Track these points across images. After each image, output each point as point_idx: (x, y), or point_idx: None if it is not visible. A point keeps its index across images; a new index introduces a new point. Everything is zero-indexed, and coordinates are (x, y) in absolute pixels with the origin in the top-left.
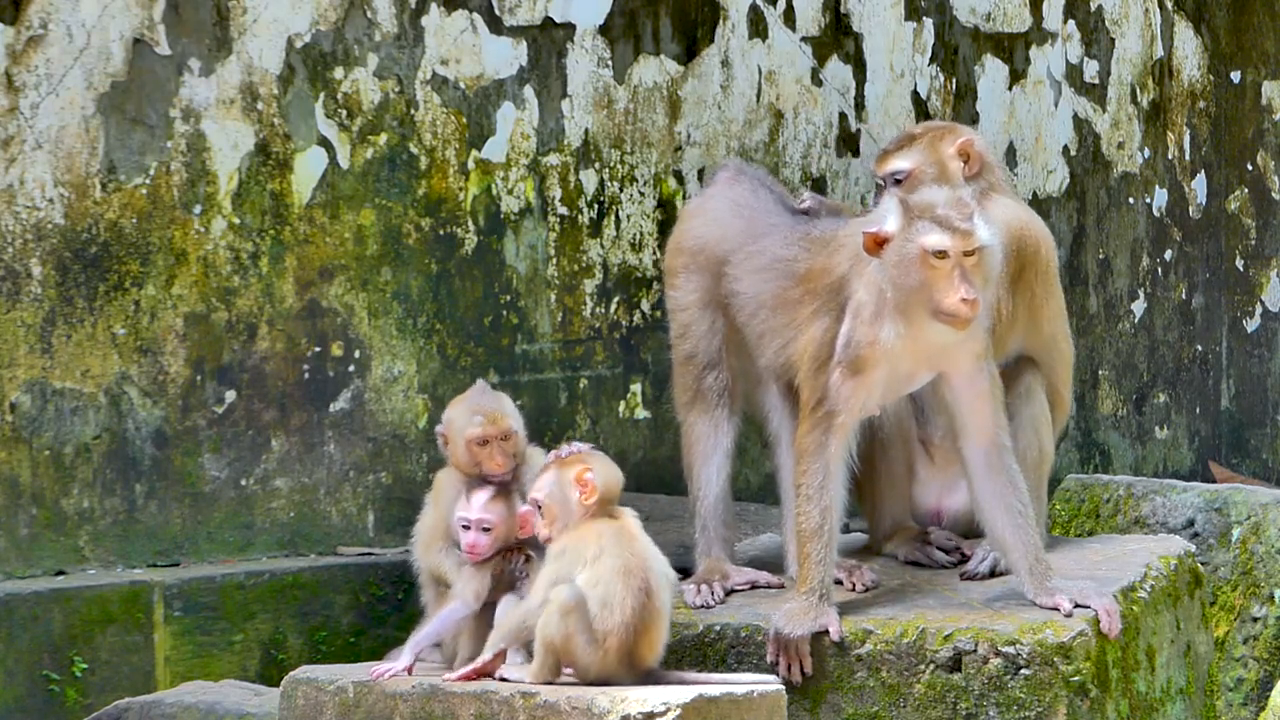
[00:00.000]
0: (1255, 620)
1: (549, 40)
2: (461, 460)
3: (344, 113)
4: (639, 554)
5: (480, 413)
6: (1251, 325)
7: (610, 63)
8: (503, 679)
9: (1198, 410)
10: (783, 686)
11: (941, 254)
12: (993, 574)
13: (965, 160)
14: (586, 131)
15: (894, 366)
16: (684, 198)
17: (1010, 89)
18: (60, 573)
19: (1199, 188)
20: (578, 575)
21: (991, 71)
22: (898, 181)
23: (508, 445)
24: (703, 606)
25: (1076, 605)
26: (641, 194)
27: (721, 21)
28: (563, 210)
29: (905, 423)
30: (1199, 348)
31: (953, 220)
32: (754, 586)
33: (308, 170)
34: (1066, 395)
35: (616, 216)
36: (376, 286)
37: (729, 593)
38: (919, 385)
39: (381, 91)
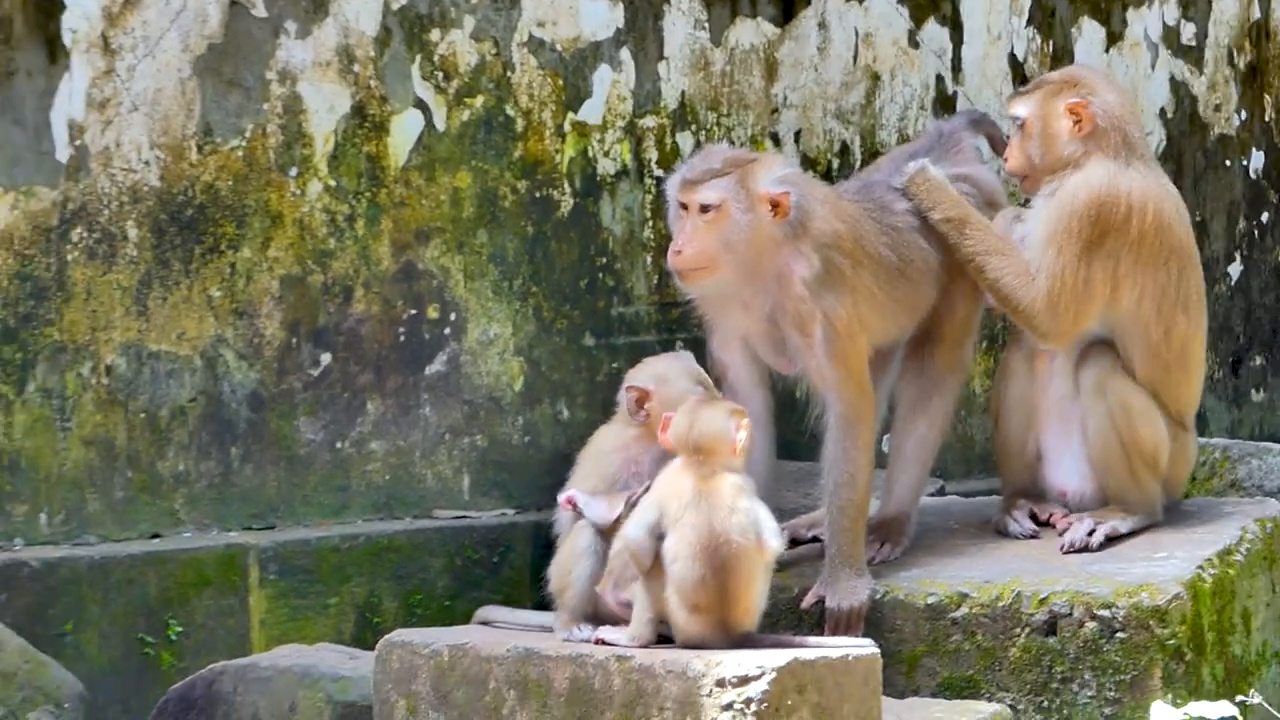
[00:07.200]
0: None
1: (646, 2)
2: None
3: (440, 75)
4: (717, 527)
5: (702, 382)
6: None
7: (707, 25)
8: (601, 641)
9: None
10: (877, 650)
11: (679, 202)
12: (1090, 548)
13: (1076, 120)
14: (683, 94)
15: (729, 317)
16: None
17: (1107, 51)
18: (155, 536)
19: None
20: (668, 533)
21: (1088, 34)
22: (1020, 126)
23: None
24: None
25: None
26: None
27: None
28: (659, 173)
29: (1030, 395)
30: None
31: (690, 171)
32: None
33: (404, 133)
34: (1145, 372)
35: None
36: (472, 249)
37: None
38: (788, 347)
39: (478, 53)
